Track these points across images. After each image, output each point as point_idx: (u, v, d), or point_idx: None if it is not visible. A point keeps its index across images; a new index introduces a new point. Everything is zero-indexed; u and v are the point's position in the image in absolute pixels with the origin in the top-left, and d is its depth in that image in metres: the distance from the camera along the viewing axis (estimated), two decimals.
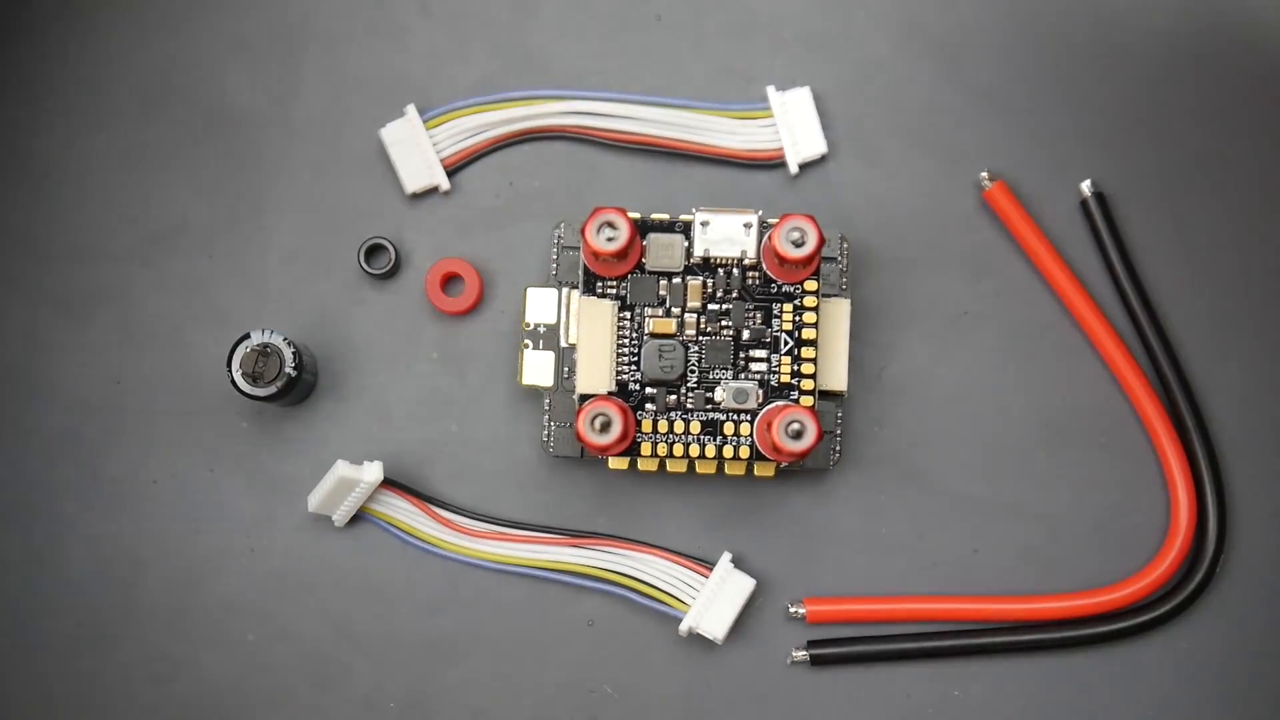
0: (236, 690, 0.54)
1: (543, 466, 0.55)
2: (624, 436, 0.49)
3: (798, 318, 0.51)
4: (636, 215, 0.51)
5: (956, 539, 0.55)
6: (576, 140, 0.56)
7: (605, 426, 0.49)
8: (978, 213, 0.56)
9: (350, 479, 0.52)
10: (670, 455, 0.51)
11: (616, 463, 0.52)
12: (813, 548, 0.55)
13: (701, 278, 0.51)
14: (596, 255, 0.50)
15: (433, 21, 0.56)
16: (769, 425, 0.49)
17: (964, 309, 0.55)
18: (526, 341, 0.53)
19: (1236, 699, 0.54)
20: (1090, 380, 0.55)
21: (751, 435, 0.51)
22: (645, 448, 0.51)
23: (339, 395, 0.55)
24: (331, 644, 0.54)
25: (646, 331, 0.51)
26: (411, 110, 0.55)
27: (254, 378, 0.52)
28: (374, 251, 0.55)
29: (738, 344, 0.51)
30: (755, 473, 0.53)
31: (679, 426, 0.51)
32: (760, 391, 0.51)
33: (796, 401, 0.51)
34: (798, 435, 0.49)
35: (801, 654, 0.54)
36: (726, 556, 0.53)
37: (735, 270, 0.51)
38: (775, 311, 0.51)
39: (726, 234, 0.51)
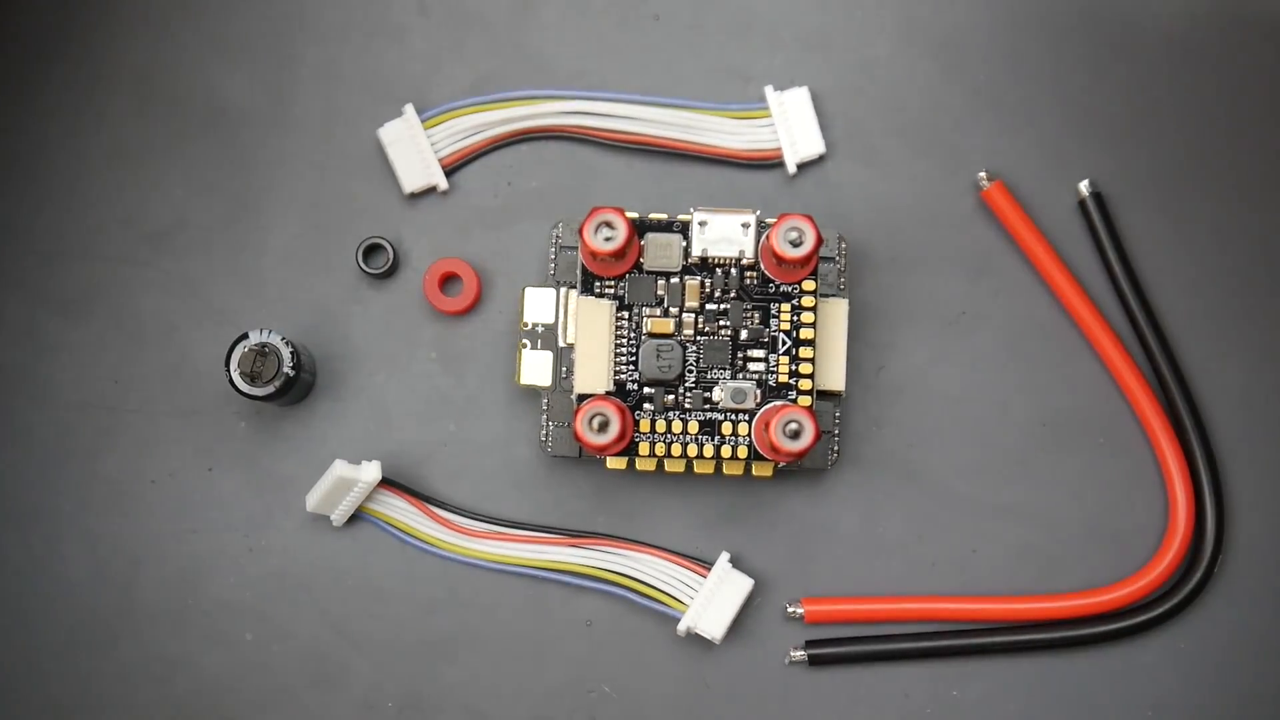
0: (235, 690, 0.54)
1: (541, 466, 0.55)
2: (622, 436, 0.49)
3: (796, 317, 0.51)
4: (634, 215, 0.51)
5: (955, 539, 0.55)
6: (574, 140, 0.56)
7: (603, 426, 0.49)
8: (976, 213, 0.56)
9: (348, 478, 0.52)
10: (668, 455, 0.51)
11: (614, 462, 0.52)
12: (811, 547, 0.55)
13: (699, 277, 0.51)
14: (594, 255, 0.50)
15: (431, 21, 0.56)
16: (767, 425, 0.49)
17: (962, 309, 0.55)
18: (524, 341, 0.53)
19: (1235, 699, 0.54)
20: (1088, 380, 0.55)
21: (749, 435, 0.51)
22: (643, 447, 0.51)
23: (337, 395, 0.55)
24: (330, 644, 0.54)
25: (644, 331, 0.51)
26: (409, 110, 0.55)
27: (252, 377, 0.52)
28: (372, 251, 0.55)
29: (736, 344, 0.51)
30: (753, 472, 0.53)
31: (677, 426, 0.51)
32: (758, 391, 0.51)
33: (794, 401, 0.51)
34: (796, 435, 0.49)
35: (799, 654, 0.54)
36: (724, 556, 0.53)
37: (733, 270, 0.51)
38: (773, 311, 0.51)
39: (724, 234, 0.51)
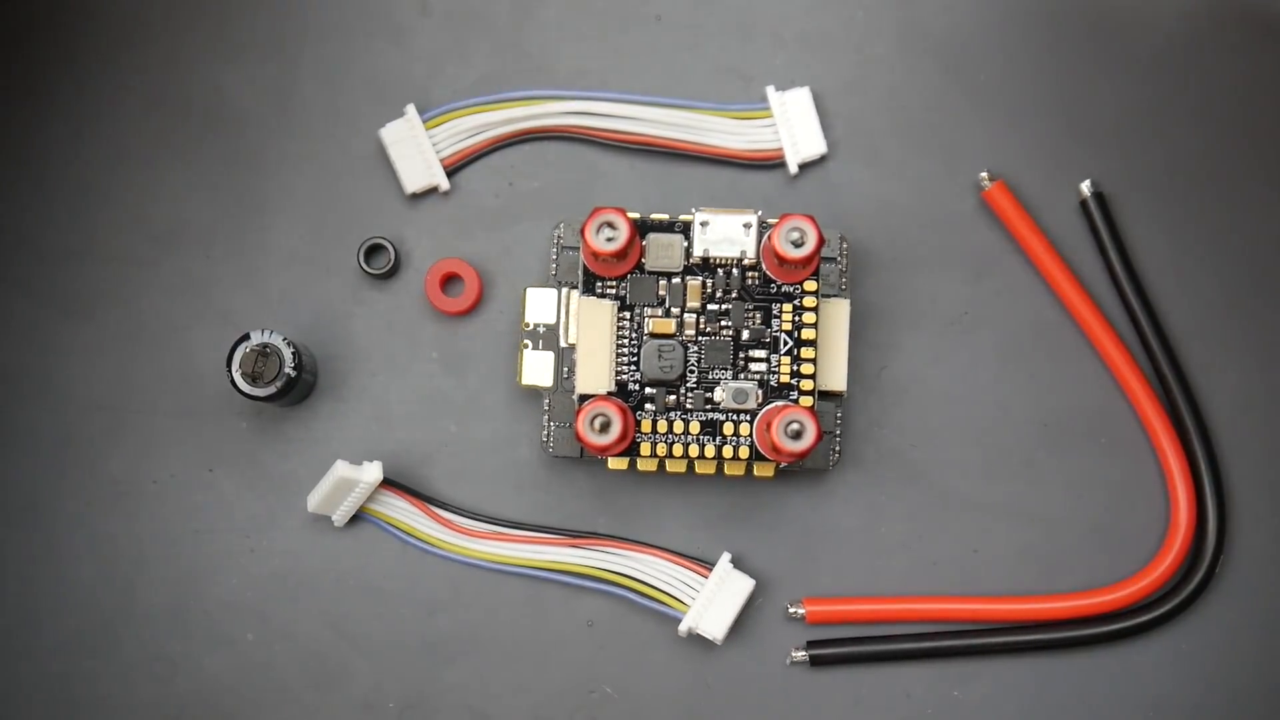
0: (236, 690, 0.54)
1: (542, 467, 0.55)
2: (623, 437, 0.49)
3: (797, 318, 0.51)
4: (636, 215, 0.51)
5: (956, 539, 0.55)
6: (576, 140, 0.56)
7: (605, 427, 0.49)
8: (977, 213, 0.56)
9: (350, 479, 0.52)
10: (670, 455, 0.51)
11: (616, 463, 0.52)
12: (812, 548, 0.55)
13: (701, 278, 0.51)
14: (596, 255, 0.50)
15: (432, 21, 0.56)
16: (768, 425, 0.49)
17: (963, 309, 0.55)
18: (526, 341, 0.53)
19: (1235, 699, 0.54)
20: (1090, 380, 0.55)
21: (751, 435, 0.51)
22: (645, 448, 0.51)
23: (339, 395, 0.55)
24: (331, 644, 0.54)
25: (646, 331, 0.51)
26: (411, 110, 0.55)
27: (254, 378, 0.52)
28: (374, 251, 0.55)
29: (737, 344, 0.51)
30: (755, 473, 0.53)
31: (678, 427, 0.51)
32: (760, 392, 0.51)
33: (796, 402, 0.51)
34: (797, 435, 0.49)
35: (801, 654, 0.54)
36: (726, 557, 0.53)
37: (735, 270, 0.51)
38: (775, 311, 0.51)
39: (726, 234, 0.51)
